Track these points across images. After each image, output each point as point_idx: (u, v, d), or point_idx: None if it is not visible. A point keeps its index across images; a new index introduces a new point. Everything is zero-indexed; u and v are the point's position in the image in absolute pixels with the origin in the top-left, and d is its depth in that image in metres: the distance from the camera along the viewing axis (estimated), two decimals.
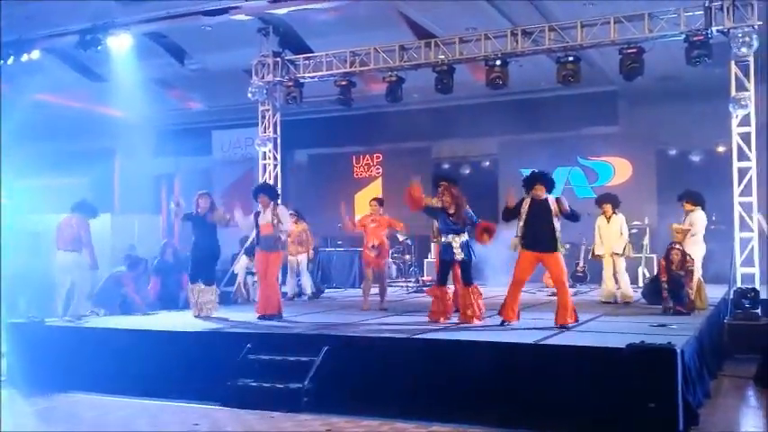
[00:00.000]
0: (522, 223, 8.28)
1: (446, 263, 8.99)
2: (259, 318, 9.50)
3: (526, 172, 8.84)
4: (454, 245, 8.81)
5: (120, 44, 14.08)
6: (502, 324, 8.34)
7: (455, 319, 8.87)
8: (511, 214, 8.44)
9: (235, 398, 7.44)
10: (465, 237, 8.92)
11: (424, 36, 13.80)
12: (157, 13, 13.45)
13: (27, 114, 16.32)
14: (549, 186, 8.38)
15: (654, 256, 13.65)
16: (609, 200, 11.30)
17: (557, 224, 8.21)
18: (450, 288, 9.25)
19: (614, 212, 11.21)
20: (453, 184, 9.23)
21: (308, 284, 13.14)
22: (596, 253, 11.48)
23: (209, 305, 9.86)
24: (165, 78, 17.69)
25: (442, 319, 8.84)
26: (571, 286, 10.85)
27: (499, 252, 14.12)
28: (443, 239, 8.95)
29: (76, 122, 19.22)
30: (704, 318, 9.06)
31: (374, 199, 11.22)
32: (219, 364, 7.70)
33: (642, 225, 14.82)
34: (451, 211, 8.86)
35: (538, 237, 8.21)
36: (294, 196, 18.60)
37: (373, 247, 10.60)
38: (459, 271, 9.04)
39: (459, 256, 8.83)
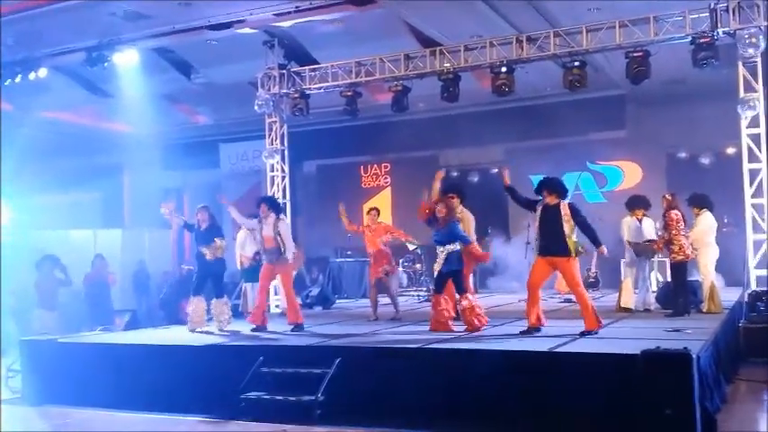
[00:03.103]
0: (534, 229, 8.30)
1: (440, 272, 9.04)
2: (252, 329, 9.59)
3: (535, 178, 8.83)
4: (440, 255, 8.90)
5: (127, 60, 14.17)
6: (528, 331, 8.28)
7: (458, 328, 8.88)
8: (521, 205, 8.64)
9: (248, 411, 7.42)
10: (454, 246, 8.93)
11: (428, 45, 13.79)
12: (163, 29, 13.52)
13: (36, 132, 16.43)
14: (559, 192, 8.35)
15: (666, 260, 13.54)
16: (641, 203, 11.00)
17: (567, 229, 8.16)
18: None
19: (645, 215, 10.97)
20: (455, 197, 9.50)
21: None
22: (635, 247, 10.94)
23: (223, 318, 9.84)
24: (172, 93, 17.78)
25: (442, 329, 8.82)
26: None
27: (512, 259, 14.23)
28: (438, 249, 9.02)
29: (85, 139, 19.33)
30: (719, 322, 8.98)
31: (371, 208, 11.32)
32: (232, 377, 7.66)
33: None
34: (439, 224, 8.96)
35: (548, 241, 8.22)
36: (303, 207, 18.62)
37: (370, 255, 10.68)
38: (451, 280, 9.06)
39: (439, 266, 8.92)
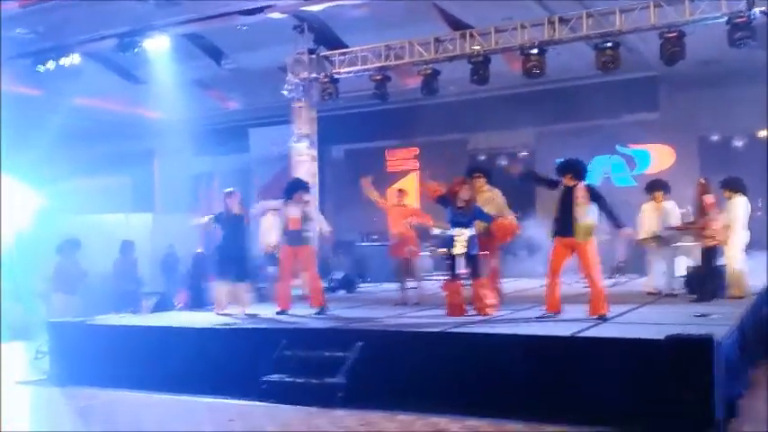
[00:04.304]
0: (554, 210, 8.25)
1: (452, 255, 8.93)
2: (277, 312, 9.58)
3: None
4: (459, 239, 8.75)
5: (158, 46, 14.29)
6: (544, 316, 8.22)
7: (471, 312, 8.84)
8: (543, 183, 8.81)
9: (270, 393, 7.47)
10: (471, 231, 8.82)
11: (458, 28, 13.68)
12: (194, 15, 13.59)
13: (69, 118, 16.66)
14: (575, 173, 8.22)
15: (691, 244, 13.30)
16: (660, 186, 10.85)
17: (578, 212, 8.02)
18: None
19: (665, 199, 10.75)
20: (481, 176, 9.45)
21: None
22: (643, 238, 10.81)
23: (242, 301, 9.89)
24: (203, 79, 17.90)
25: (458, 313, 8.76)
26: (610, 277, 10.64)
27: (538, 244, 14.06)
28: (449, 232, 8.90)
29: (117, 125, 19.58)
30: (746, 307, 8.80)
31: (398, 189, 11.29)
32: (255, 359, 7.72)
33: (684, 212, 14.45)
34: (461, 205, 8.80)
35: (563, 223, 8.14)
36: (331, 191, 18.63)
37: (393, 235, 10.60)
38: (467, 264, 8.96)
39: (462, 249, 8.75)
